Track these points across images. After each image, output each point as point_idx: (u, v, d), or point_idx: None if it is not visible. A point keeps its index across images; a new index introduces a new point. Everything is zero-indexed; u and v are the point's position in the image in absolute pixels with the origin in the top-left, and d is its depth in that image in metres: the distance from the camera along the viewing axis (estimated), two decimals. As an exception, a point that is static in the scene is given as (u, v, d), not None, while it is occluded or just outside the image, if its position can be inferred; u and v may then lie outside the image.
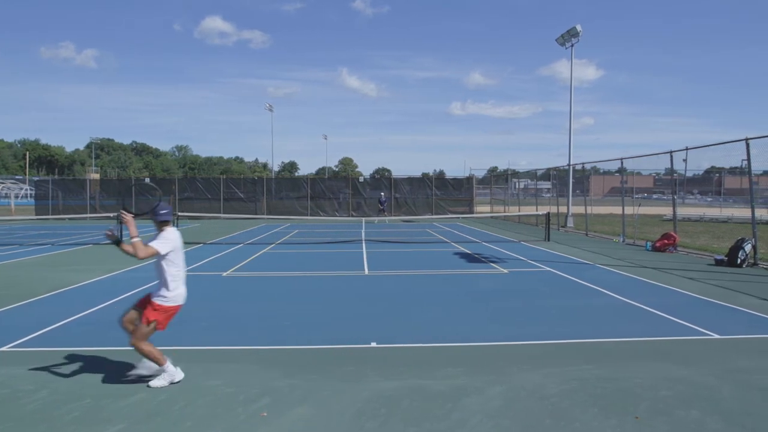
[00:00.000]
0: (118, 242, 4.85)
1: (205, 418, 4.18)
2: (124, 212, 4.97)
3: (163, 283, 5.05)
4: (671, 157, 16.36)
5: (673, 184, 18.54)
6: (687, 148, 15.77)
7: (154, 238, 4.98)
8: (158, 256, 4.98)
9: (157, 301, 4.98)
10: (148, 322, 4.86)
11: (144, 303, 5.03)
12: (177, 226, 18.65)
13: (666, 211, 29.98)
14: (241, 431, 3.98)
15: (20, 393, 4.68)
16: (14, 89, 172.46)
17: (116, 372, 5.23)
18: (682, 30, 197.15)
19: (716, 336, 6.56)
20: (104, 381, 4.98)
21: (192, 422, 4.11)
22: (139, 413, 4.27)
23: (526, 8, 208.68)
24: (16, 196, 66.24)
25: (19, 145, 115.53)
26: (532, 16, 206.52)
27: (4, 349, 6.03)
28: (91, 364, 5.49)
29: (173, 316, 5.10)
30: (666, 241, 15.77)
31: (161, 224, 5.16)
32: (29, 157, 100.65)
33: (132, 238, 4.85)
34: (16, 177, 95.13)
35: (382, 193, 34.65)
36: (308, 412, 4.31)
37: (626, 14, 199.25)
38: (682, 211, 31.04)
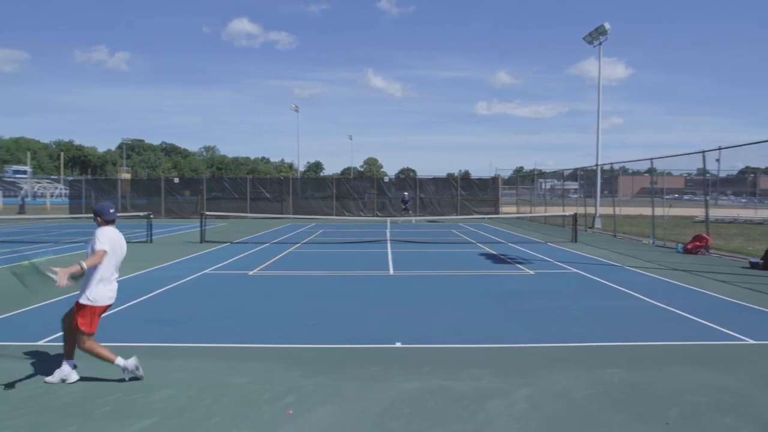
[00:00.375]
0: (80, 275, 4.75)
1: (231, 416, 4.25)
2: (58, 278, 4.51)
3: (88, 283, 4.91)
4: (703, 157, 15.96)
5: (705, 184, 18.05)
6: (720, 148, 15.35)
7: (92, 238, 4.90)
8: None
9: (82, 301, 4.91)
10: (77, 327, 4.86)
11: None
12: (205, 225, 19.00)
13: (698, 212, 29.24)
14: (266, 429, 4.03)
15: (55, 387, 4.83)
16: (50, 91, 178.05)
17: (147, 367, 5.34)
18: (714, 27, 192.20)
19: (750, 341, 6.37)
20: (135, 376, 5.09)
21: (219, 418, 4.18)
22: (168, 408, 4.36)
23: (553, 7, 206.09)
24: (52, 195, 68.23)
25: (54, 146, 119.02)
26: (559, 14, 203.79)
27: (40, 342, 6.23)
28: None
29: (100, 316, 5.01)
30: (698, 243, 15.38)
31: (107, 223, 5.08)
32: (64, 157, 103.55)
33: (81, 264, 4.66)
34: (52, 177, 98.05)
35: (406, 193, 34.56)
36: (333, 411, 4.34)
37: (656, 11, 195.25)
38: (715, 213, 30.24)
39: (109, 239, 4.94)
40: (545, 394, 4.68)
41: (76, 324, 4.88)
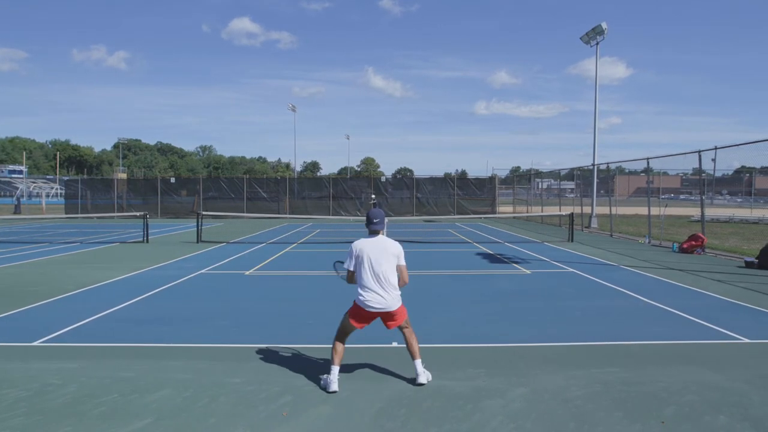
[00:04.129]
0: None
1: (227, 416, 4.23)
2: None
3: None
4: (699, 156, 16.00)
5: (701, 184, 18.11)
6: (716, 148, 15.40)
7: None
8: None
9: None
10: None
11: None
12: (201, 225, 18.97)
13: (693, 211, 29.33)
14: (262, 429, 4.02)
15: (50, 387, 4.80)
16: (47, 91, 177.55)
17: (142, 368, 5.33)
18: (711, 27, 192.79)
19: (746, 340, 6.39)
20: (131, 377, 5.08)
21: (215, 419, 4.17)
22: (164, 409, 4.35)
23: (554, 6, 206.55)
24: (47, 195, 67.99)
25: (50, 146, 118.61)
26: (560, 14, 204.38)
27: (34, 344, 6.20)
28: (118, 360, 5.61)
29: None
30: (693, 243, 15.43)
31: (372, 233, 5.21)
32: (60, 157, 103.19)
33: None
34: (48, 176, 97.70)
35: (373, 195, 34.67)
36: (329, 411, 4.33)
37: (656, 12, 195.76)
38: (711, 212, 30.34)
39: None
40: (541, 393, 4.69)
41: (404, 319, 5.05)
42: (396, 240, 5.29)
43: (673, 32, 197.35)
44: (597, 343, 6.24)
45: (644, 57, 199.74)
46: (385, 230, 5.41)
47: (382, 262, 4.96)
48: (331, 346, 4.99)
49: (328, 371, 4.87)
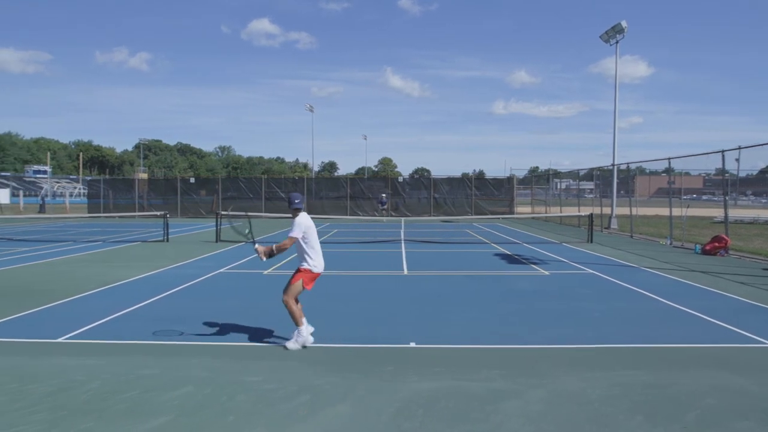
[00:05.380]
0: (271, 254, 6.08)
1: (246, 414, 4.27)
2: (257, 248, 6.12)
3: (302, 256, 6.18)
4: (723, 156, 15.69)
5: (724, 184, 17.76)
6: (740, 147, 15.09)
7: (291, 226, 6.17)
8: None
9: (303, 266, 6.14)
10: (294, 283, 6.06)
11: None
12: (220, 225, 19.14)
13: (716, 212, 28.80)
14: (281, 427, 4.05)
15: (73, 383, 4.90)
16: (71, 92, 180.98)
17: (162, 366, 5.40)
18: (734, 26, 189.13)
19: (771, 344, 6.26)
20: (151, 374, 5.16)
21: (234, 417, 4.21)
22: (184, 406, 4.41)
23: (574, 5, 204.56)
24: (71, 195, 69.31)
25: (73, 146, 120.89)
26: (580, 12, 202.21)
27: (59, 340, 6.32)
28: (139, 357, 5.70)
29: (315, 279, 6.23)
30: (716, 244, 15.15)
31: (294, 212, 6.18)
32: (83, 157, 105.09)
33: (274, 247, 6.04)
34: (71, 177, 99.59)
35: (383, 195, 34.78)
36: (346, 411, 4.35)
37: (678, 10, 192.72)
38: (734, 213, 29.74)
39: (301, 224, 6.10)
40: (560, 395, 4.65)
41: (294, 279, 6.08)
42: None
43: (695, 30, 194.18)
44: (617, 346, 6.16)
45: (666, 55, 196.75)
46: (303, 206, 6.46)
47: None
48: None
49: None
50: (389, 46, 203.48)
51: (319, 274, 6.21)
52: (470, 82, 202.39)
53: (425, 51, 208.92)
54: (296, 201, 6.23)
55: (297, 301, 6.11)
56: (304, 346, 5.98)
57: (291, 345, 6.00)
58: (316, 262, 6.14)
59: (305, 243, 6.10)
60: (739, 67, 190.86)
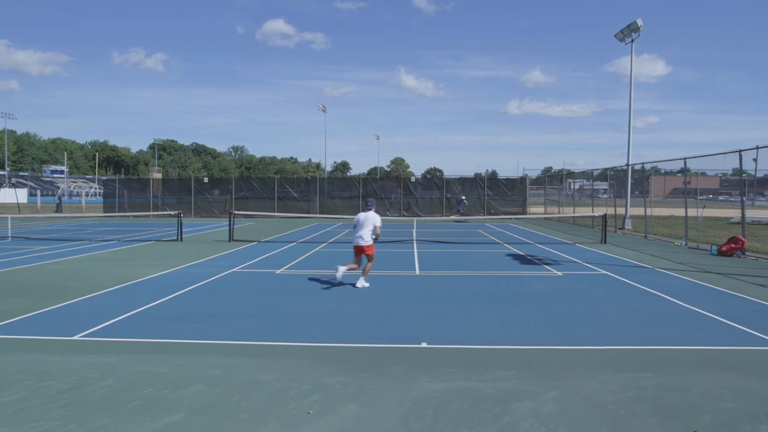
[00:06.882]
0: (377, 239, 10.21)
1: (258, 412, 4.30)
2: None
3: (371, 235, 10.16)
4: (740, 156, 15.46)
5: (741, 185, 17.50)
6: (758, 147, 14.85)
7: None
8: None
9: (369, 244, 10.14)
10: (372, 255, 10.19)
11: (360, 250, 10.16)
12: (233, 224, 19.28)
13: (733, 213, 28.41)
14: (292, 426, 4.07)
15: (88, 380, 4.96)
16: (88, 93, 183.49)
17: (176, 364, 5.45)
18: (752, 23, 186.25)
19: (789, 347, 6.15)
20: (164, 372, 5.21)
21: (246, 415, 4.24)
22: (197, 404, 4.44)
23: (591, 4, 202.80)
24: (87, 194, 70.19)
25: (89, 147, 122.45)
26: (597, 11, 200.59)
27: (74, 338, 6.41)
28: (153, 355, 5.76)
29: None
30: (733, 245, 14.93)
31: (368, 209, 10.25)
32: (98, 157, 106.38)
33: (378, 236, 10.32)
34: (87, 176, 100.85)
35: (463, 197, 34.53)
36: (357, 410, 4.36)
37: (696, 8, 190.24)
38: (752, 214, 29.31)
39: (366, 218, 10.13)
40: (573, 397, 4.61)
41: (371, 254, 10.17)
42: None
43: (713, 29, 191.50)
44: (631, 347, 6.10)
45: (683, 54, 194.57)
46: (373, 208, 10.33)
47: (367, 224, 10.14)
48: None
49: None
50: (403, 46, 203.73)
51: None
52: (484, 82, 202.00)
53: (440, 51, 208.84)
54: (370, 204, 10.39)
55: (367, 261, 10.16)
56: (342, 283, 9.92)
57: (362, 283, 9.88)
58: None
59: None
60: (758, 64, 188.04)
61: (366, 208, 10.21)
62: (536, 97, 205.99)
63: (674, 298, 8.91)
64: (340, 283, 10.00)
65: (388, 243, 18.07)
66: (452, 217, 30.80)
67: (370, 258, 10.09)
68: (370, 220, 10.03)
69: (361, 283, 9.83)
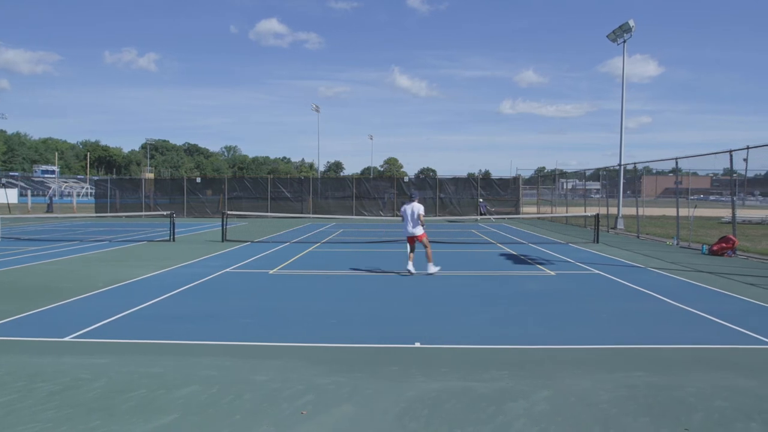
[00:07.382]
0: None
1: (252, 413, 4.29)
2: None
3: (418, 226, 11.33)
4: (731, 156, 15.58)
5: (732, 184, 17.65)
6: (748, 147, 14.98)
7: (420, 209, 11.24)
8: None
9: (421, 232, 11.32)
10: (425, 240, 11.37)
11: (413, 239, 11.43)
12: (226, 225, 19.22)
13: (724, 213, 28.65)
14: (286, 426, 4.06)
15: (80, 381, 4.93)
16: (79, 93, 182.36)
17: (169, 364, 5.43)
18: (745, 24, 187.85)
19: (779, 345, 6.21)
20: (158, 373, 5.18)
21: (240, 415, 4.23)
22: (191, 405, 4.42)
23: (585, 4, 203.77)
24: (78, 195, 69.70)
25: (81, 146, 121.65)
26: (590, 12, 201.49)
27: (66, 339, 6.36)
28: (145, 356, 5.73)
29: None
30: (724, 245, 15.05)
31: (411, 200, 11.45)
32: (90, 157, 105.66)
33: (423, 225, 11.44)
34: (78, 176, 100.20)
35: (481, 200, 34.52)
36: (351, 411, 4.35)
37: (688, 8, 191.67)
38: (742, 214, 29.55)
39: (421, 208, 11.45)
40: (566, 396, 4.63)
41: (424, 240, 11.29)
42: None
43: (706, 29, 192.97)
44: (623, 347, 6.14)
45: (676, 54, 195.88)
46: (417, 199, 11.56)
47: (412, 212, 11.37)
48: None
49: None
50: (397, 46, 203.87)
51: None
52: (478, 82, 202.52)
53: (433, 51, 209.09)
54: (414, 195, 11.65)
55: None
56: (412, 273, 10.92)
57: (432, 269, 11.13)
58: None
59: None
60: (751, 65, 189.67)
61: (410, 200, 11.45)
62: (530, 98, 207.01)
63: (666, 297, 8.97)
64: (333, 285, 9.99)
65: (381, 243, 18.07)
66: (478, 218, 30.83)
67: (425, 244, 11.27)
68: (415, 209, 11.22)
69: (432, 269, 11.05)
